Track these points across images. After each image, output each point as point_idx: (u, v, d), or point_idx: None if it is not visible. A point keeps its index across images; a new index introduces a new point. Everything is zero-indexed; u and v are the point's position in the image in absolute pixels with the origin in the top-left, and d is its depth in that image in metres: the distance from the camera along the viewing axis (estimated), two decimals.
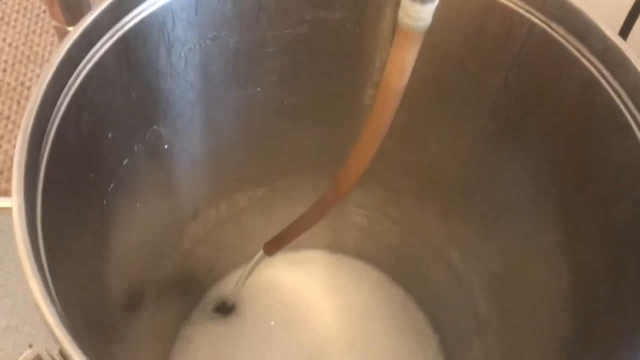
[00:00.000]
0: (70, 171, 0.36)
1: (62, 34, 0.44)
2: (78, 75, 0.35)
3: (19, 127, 0.32)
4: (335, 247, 0.72)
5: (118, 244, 0.44)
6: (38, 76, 0.84)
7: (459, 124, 0.50)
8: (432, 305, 0.66)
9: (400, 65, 0.35)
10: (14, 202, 0.30)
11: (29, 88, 0.83)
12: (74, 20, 0.44)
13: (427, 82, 0.48)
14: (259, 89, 0.49)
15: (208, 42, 0.43)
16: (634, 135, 0.35)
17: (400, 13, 0.33)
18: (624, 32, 0.62)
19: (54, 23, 0.44)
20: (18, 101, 0.82)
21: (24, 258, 0.28)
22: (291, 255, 0.72)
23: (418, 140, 0.54)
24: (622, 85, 0.36)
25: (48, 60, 0.37)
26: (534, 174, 0.46)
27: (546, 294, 0.44)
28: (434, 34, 0.35)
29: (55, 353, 0.37)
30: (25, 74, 0.84)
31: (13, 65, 0.84)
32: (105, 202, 0.40)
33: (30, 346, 0.36)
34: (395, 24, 0.34)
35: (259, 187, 0.60)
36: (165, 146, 0.47)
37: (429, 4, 0.32)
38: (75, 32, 0.34)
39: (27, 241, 0.29)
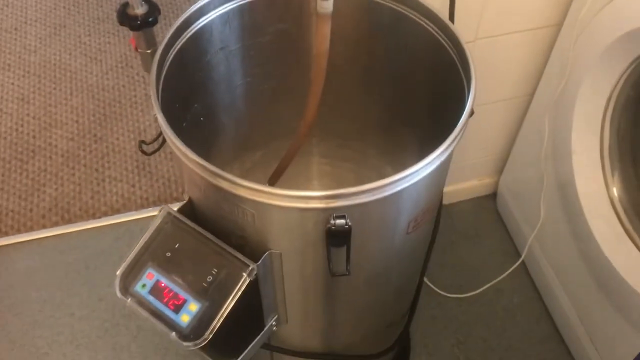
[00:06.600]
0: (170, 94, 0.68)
1: (145, 58, 0.75)
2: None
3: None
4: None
5: None
6: None
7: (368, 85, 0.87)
8: None
9: (322, 34, 0.70)
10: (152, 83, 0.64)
11: None
12: (150, 46, 0.74)
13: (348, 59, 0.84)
14: (248, 79, 0.84)
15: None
16: None
17: (317, 7, 0.68)
18: None
19: (140, 50, 0.73)
20: None
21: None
22: None
23: (345, 99, 0.90)
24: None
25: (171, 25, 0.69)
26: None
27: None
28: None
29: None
30: None
31: None
32: (184, 124, 0.74)
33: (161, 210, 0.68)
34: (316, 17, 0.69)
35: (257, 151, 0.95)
36: (201, 119, 0.80)
37: (330, 1, 0.68)
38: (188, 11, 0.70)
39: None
